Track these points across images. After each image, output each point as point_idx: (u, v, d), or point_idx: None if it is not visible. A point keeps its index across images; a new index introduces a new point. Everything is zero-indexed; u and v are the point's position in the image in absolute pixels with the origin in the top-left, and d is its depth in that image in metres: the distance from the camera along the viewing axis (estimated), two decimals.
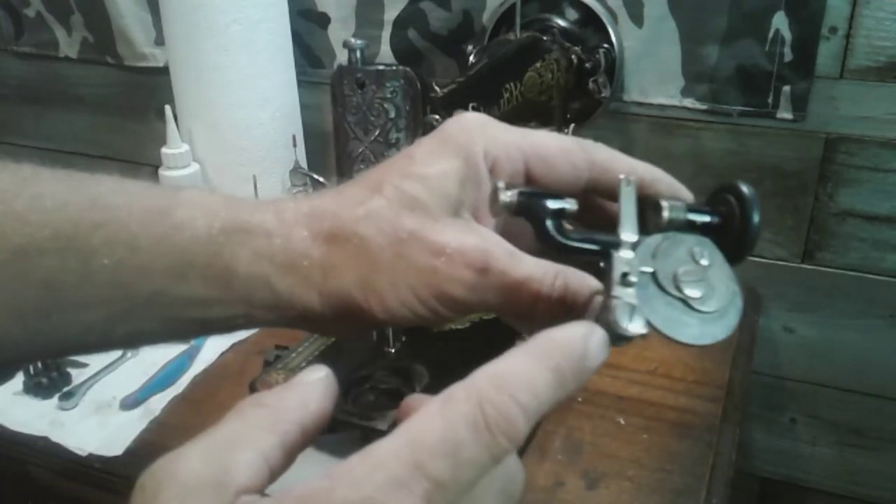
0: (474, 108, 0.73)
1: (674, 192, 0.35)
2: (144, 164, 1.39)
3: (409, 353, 0.79)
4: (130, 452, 0.79)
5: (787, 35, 0.94)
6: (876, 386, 1.09)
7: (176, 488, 0.24)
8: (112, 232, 0.33)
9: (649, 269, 0.28)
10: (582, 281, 0.32)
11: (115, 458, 0.79)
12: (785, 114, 0.98)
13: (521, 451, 0.76)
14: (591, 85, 0.97)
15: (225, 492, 0.24)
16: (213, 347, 0.96)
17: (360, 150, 0.69)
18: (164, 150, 1.11)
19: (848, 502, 1.18)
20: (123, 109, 1.39)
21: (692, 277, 0.29)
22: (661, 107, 1.04)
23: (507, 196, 0.31)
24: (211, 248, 0.33)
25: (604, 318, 0.28)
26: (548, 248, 0.31)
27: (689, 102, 1.02)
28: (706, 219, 0.31)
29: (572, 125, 0.97)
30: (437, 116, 0.68)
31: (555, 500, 0.71)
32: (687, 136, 1.04)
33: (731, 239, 0.31)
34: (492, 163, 0.34)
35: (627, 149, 1.12)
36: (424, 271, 0.32)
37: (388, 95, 0.67)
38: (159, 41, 1.26)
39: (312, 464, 0.87)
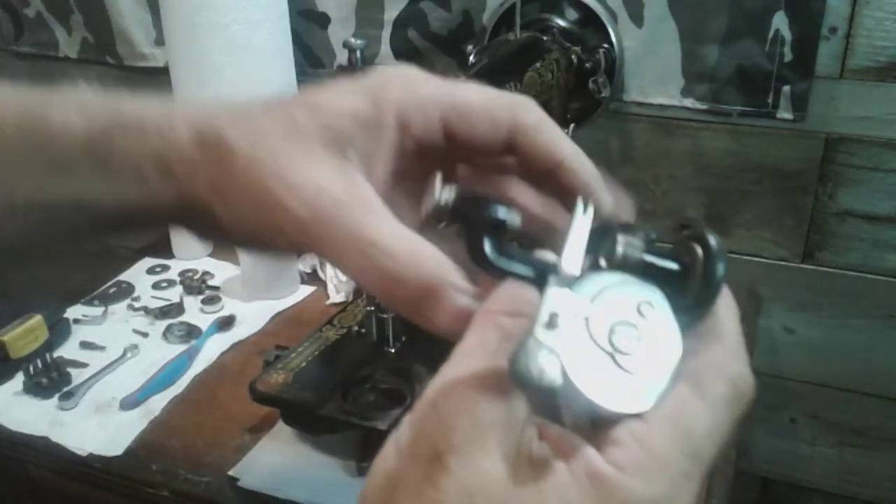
0: None
1: (590, 190, 0.33)
2: None
3: (409, 353, 0.79)
4: (130, 452, 0.79)
5: (787, 35, 0.94)
6: (876, 386, 1.09)
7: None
8: None
9: (583, 314, 0.26)
10: (443, 269, 0.29)
11: (115, 458, 0.79)
12: (785, 114, 0.98)
13: None
14: (591, 85, 0.97)
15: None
16: (213, 347, 0.96)
17: None
18: None
19: (848, 502, 1.18)
20: None
21: (629, 332, 0.26)
22: (661, 107, 1.04)
23: (445, 194, 0.28)
24: (88, 146, 0.33)
25: (516, 354, 0.24)
26: (476, 263, 0.28)
27: (689, 102, 1.02)
28: (665, 265, 0.28)
29: (572, 125, 0.97)
30: None
31: None
32: (687, 136, 1.04)
33: (689, 291, 0.27)
34: (405, 116, 0.33)
35: (627, 149, 1.13)
36: (266, 194, 0.31)
37: None
38: (159, 41, 1.26)
39: (313, 464, 0.87)
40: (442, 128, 0.33)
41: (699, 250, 0.27)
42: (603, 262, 0.28)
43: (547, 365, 0.24)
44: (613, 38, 1.00)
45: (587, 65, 0.97)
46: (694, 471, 0.25)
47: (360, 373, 0.76)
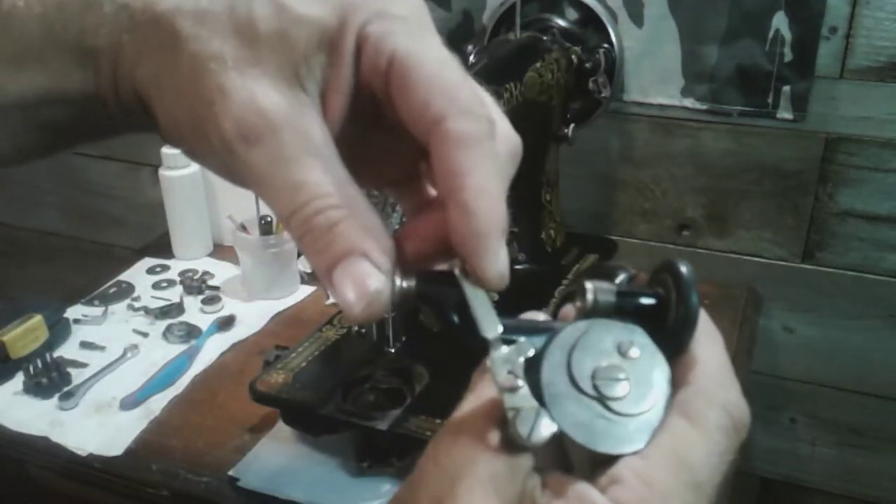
0: None
1: (469, 248, 0.27)
2: (144, 164, 1.39)
3: (409, 353, 0.79)
4: (130, 452, 0.79)
5: (787, 35, 0.94)
6: (876, 386, 1.09)
7: None
8: None
9: (564, 365, 0.26)
10: (365, 239, 0.26)
11: (115, 458, 0.79)
12: (785, 114, 0.98)
13: None
14: (591, 85, 0.97)
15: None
16: (213, 347, 0.96)
17: None
18: (164, 150, 1.11)
19: (848, 502, 1.18)
20: None
21: (614, 374, 0.26)
22: (661, 107, 1.04)
23: (405, 284, 0.27)
24: (44, 27, 0.28)
25: (511, 424, 0.25)
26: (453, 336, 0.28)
27: (689, 102, 1.02)
28: (638, 302, 0.28)
29: (572, 125, 0.97)
30: None
31: None
32: (687, 136, 1.04)
33: (669, 323, 0.28)
34: (361, 42, 0.28)
35: (627, 149, 1.13)
36: (203, 102, 0.27)
37: None
38: None
39: (313, 464, 0.88)
40: (385, 76, 0.28)
41: (671, 281, 0.28)
42: (576, 311, 0.28)
43: (536, 424, 0.25)
44: (613, 38, 1.00)
45: (587, 65, 0.97)
46: (698, 500, 0.25)
47: (360, 373, 0.76)
